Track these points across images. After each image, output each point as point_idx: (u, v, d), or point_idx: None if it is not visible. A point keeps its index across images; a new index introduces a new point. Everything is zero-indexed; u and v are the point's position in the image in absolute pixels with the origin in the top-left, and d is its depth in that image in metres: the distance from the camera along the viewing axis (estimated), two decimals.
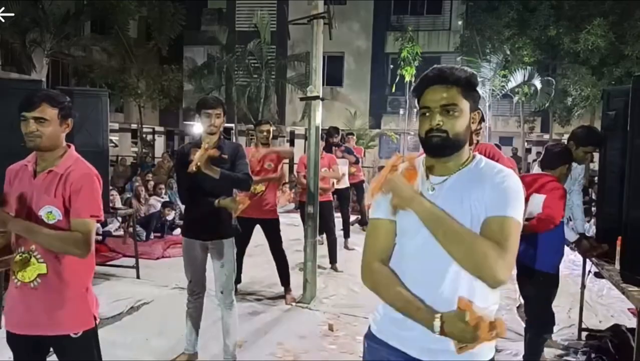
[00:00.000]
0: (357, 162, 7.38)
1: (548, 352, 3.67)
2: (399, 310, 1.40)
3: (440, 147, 1.39)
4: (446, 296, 1.35)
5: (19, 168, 1.93)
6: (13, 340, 1.91)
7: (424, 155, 1.50)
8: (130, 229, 6.36)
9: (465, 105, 1.39)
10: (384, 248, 1.47)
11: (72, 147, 1.94)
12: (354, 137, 9.13)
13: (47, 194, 1.82)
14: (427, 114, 1.40)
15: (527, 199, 2.96)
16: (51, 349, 1.96)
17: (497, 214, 1.33)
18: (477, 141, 2.82)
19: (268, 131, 4.65)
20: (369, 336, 1.57)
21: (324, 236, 6.24)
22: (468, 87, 1.39)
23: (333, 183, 6.00)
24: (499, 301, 1.47)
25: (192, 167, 2.75)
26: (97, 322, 1.95)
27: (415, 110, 16.53)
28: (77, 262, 1.84)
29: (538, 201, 3.00)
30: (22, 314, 1.86)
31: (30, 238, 1.78)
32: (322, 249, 5.82)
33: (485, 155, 1.53)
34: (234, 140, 14.56)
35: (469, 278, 1.34)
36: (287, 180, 10.90)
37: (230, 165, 3.06)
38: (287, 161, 7.31)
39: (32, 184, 1.86)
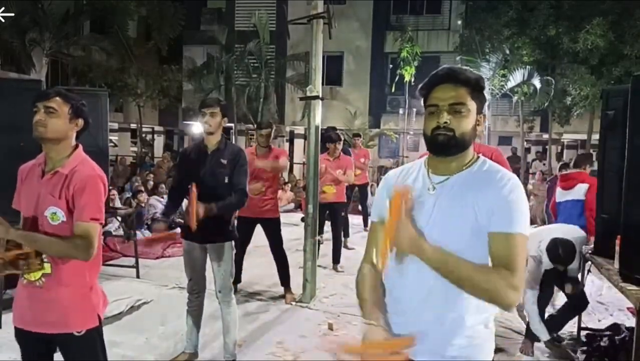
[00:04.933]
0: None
1: (548, 348, 3.68)
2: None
3: (445, 146, 1.38)
4: (451, 293, 1.35)
5: (29, 167, 1.95)
6: (21, 335, 1.93)
7: (426, 155, 1.50)
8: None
9: (472, 106, 1.38)
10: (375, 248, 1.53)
11: (80, 147, 1.95)
12: (361, 139, 9.07)
13: (52, 195, 1.83)
14: (435, 112, 1.39)
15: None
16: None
17: (503, 230, 1.32)
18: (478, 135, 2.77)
19: (268, 135, 4.63)
20: None
21: (324, 235, 6.27)
22: (476, 88, 1.39)
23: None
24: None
25: (193, 226, 2.83)
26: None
27: (414, 110, 16.48)
28: (82, 262, 1.85)
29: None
30: (28, 312, 1.88)
31: (32, 246, 1.78)
32: (322, 249, 5.84)
33: (489, 159, 1.51)
34: (233, 140, 14.63)
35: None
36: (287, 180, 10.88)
37: (232, 170, 3.07)
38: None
39: (39, 184, 1.87)
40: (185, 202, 3.18)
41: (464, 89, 1.37)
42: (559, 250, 3.40)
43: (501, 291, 1.28)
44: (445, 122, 1.36)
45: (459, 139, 1.37)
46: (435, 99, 1.39)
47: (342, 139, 6.17)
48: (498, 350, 3.33)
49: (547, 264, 3.50)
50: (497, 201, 1.34)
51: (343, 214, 6.12)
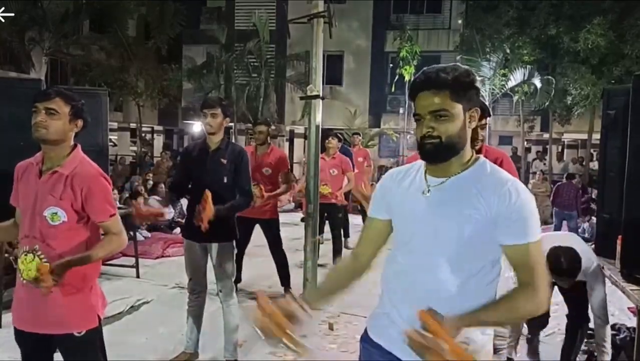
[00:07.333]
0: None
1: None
2: None
3: (433, 154, 1.35)
4: (445, 298, 1.34)
5: (26, 166, 1.94)
6: (21, 336, 1.93)
7: None
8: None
9: (456, 107, 1.33)
10: (364, 242, 1.57)
11: (79, 147, 1.95)
12: (360, 137, 8.96)
13: (52, 195, 1.82)
14: (419, 120, 1.37)
15: None
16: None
17: (519, 242, 1.31)
18: (482, 138, 2.67)
19: (261, 132, 4.60)
20: (364, 338, 1.57)
21: (324, 235, 6.25)
22: (458, 87, 1.33)
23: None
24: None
25: (205, 226, 2.81)
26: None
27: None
28: None
29: None
30: (27, 312, 1.87)
31: (87, 263, 1.84)
32: (322, 249, 5.82)
33: (496, 164, 1.47)
34: (233, 139, 14.62)
35: (461, 283, 1.34)
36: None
37: (232, 170, 3.06)
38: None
39: (37, 183, 1.86)
40: (184, 201, 3.17)
41: (442, 93, 1.32)
42: (561, 259, 2.75)
43: (531, 312, 1.35)
44: (429, 131, 1.34)
45: (447, 144, 1.34)
46: (417, 107, 1.37)
47: (339, 137, 6.08)
48: (497, 350, 3.32)
49: None
50: (503, 211, 1.31)
51: (341, 215, 6.05)
